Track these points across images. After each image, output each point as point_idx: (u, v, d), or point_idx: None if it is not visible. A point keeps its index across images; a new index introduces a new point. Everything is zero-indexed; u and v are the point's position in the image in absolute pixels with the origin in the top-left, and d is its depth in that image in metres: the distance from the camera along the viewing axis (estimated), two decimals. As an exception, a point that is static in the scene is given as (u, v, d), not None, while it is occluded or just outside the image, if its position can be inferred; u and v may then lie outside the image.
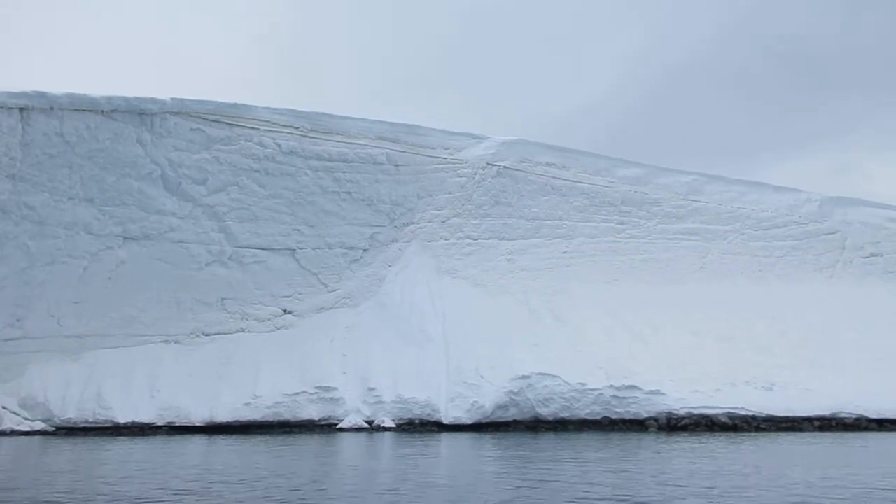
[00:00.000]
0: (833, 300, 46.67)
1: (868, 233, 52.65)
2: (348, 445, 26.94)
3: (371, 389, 34.78)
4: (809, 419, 32.49)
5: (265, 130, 41.25)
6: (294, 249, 41.17)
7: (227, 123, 40.13)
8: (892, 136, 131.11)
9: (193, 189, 38.66)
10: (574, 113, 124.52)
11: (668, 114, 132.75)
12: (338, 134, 43.57)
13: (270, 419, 33.24)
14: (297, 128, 42.37)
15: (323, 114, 43.50)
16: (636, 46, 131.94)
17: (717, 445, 24.32)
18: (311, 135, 42.54)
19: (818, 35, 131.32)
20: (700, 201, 52.27)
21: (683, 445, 24.48)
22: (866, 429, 31.94)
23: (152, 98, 37.18)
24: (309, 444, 26.35)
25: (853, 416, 32.45)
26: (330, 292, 41.03)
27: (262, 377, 34.78)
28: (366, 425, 33.71)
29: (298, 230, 41.44)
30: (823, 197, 55.20)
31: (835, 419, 32.52)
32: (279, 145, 41.43)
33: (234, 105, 40.72)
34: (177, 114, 38.30)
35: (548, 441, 28.05)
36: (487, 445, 26.58)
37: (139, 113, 36.85)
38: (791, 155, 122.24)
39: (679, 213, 51.18)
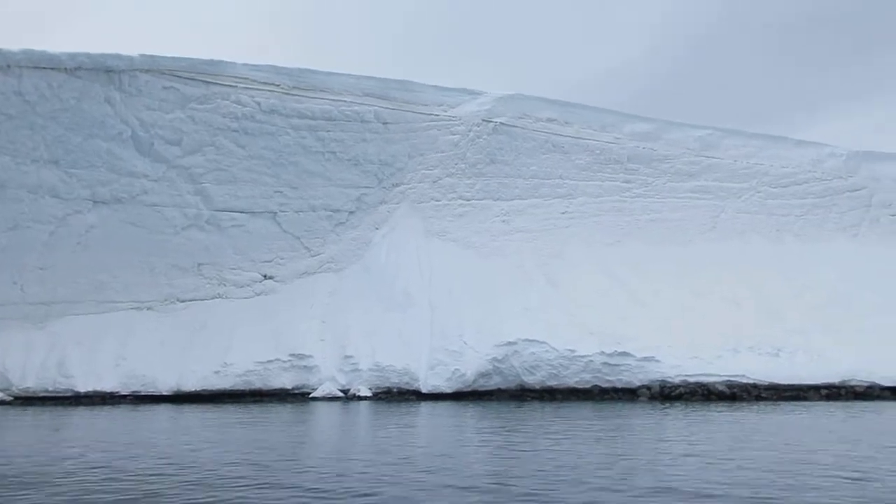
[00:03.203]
0: (856, 261, 43.40)
1: (897, 189, 48.96)
2: (309, 415, 25.36)
3: (348, 357, 33.13)
4: (816, 387, 29.90)
5: (244, 88, 39.32)
6: (275, 212, 39.44)
7: (202, 81, 38.28)
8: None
9: (167, 150, 37.04)
10: (605, 75, 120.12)
11: (699, 78, 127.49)
12: (322, 91, 41.44)
13: (241, 388, 31.84)
14: (279, 85, 40.34)
15: (306, 70, 41.38)
16: (667, 9, 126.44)
17: (680, 415, 22.10)
18: (293, 92, 40.49)
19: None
20: (714, 157, 49.03)
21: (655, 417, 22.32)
22: (878, 397, 29.26)
23: (119, 54, 35.48)
24: (268, 414, 24.80)
25: (865, 384, 29.77)
26: (313, 256, 39.31)
27: (236, 344, 33.34)
28: (341, 394, 32.11)
29: (280, 192, 39.66)
30: (850, 151, 51.44)
31: (844, 387, 29.88)
32: (259, 104, 39.50)
33: (211, 62, 38.83)
34: (147, 71, 36.56)
35: (528, 411, 26.12)
36: (463, 416, 24.77)
37: (106, 70, 35.19)
38: (825, 115, 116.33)
39: (691, 170, 48.08)
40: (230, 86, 39.01)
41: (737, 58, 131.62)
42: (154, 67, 36.69)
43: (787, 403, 27.94)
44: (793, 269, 41.30)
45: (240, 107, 39.04)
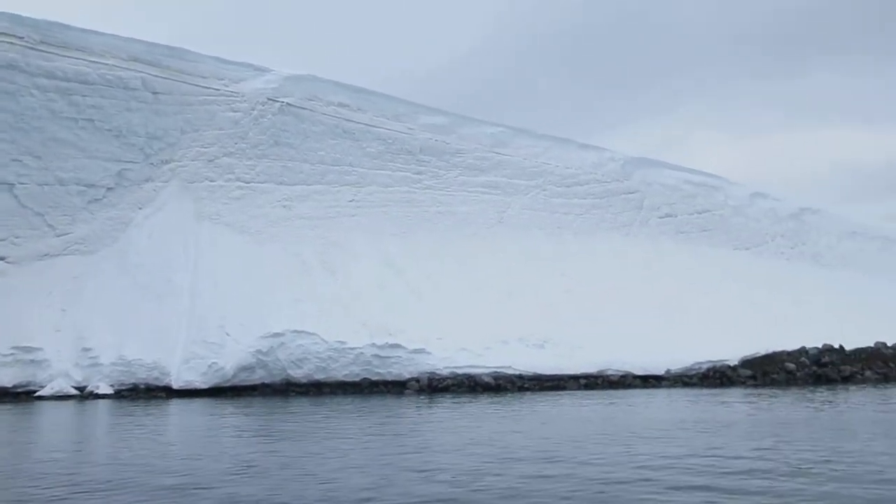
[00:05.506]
0: (626, 257, 46.00)
1: (665, 194, 52.76)
2: (17, 418, 21.57)
3: (86, 350, 29.15)
4: (575, 377, 30.70)
5: (-26, 37, 33.59)
6: (13, 184, 34.11)
7: (-82, 24, 32.16)
8: (713, 114, 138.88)
9: None
10: (430, 71, 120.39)
11: (511, 90, 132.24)
12: (78, 50, 36.59)
13: (-56, 388, 26.84)
14: (22, 38, 35.00)
15: (57, 24, 36.32)
16: (498, 14, 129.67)
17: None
18: (39, 48, 35.31)
19: (648, 14, 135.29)
20: (504, 154, 49.89)
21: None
22: (631, 386, 30.61)
23: None
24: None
25: (619, 374, 31.05)
26: (58, 236, 34.47)
27: (-56, 336, 28.11)
28: (76, 392, 28.12)
29: (19, 161, 34.36)
30: (626, 157, 54.77)
31: (601, 377, 30.96)
32: (-6, 57, 33.94)
33: (-69, 1, 32.71)
34: None
35: (281, 406, 24.16)
36: (197, 413, 22.27)
37: None
38: (623, 129, 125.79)
39: (482, 165, 48.52)
40: (-43, 33, 33.17)
41: (550, 66, 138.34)
42: None
43: (547, 393, 28.33)
44: (569, 265, 42.84)
45: (-31, 59, 33.31)
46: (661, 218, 51.78)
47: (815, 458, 10.01)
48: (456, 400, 25.20)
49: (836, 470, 8.98)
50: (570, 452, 11.18)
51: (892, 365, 31.29)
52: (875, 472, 8.80)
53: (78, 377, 28.53)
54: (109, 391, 28.26)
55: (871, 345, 31.97)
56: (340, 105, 44.87)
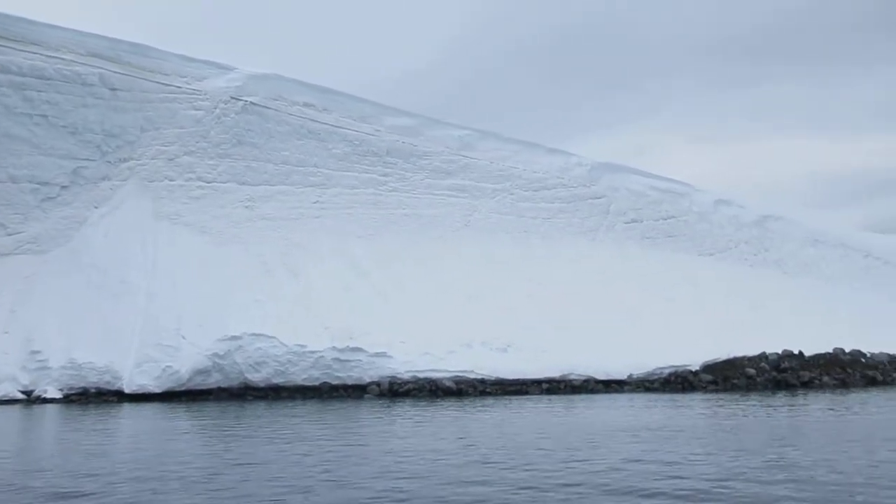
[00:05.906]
0: (591, 262, 46.01)
1: (631, 199, 52.95)
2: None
3: (34, 353, 28.23)
4: (538, 381, 30.48)
5: (-76, 28, 32.52)
6: (-38, 181, 33.06)
7: None
8: (690, 120, 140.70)
9: None
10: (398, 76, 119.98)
11: (486, 94, 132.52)
12: (34, 44, 35.68)
13: None
14: (-25, 30, 33.96)
15: (13, 17, 35.33)
16: (467, 26, 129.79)
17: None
18: (-7, 41, 34.29)
19: (627, 21, 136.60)
20: (471, 157, 49.71)
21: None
22: (593, 390, 30.47)
23: None
24: None
25: (582, 378, 30.89)
26: (9, 235, 33.50)
27: None
28: (22, 396, 27.20)
29: (-31, 157, 33.33)
30: (593, 162, 54.91)
31: (564, 381, 30.76)
32: (-55, 49, 32.89)
33: None
34: None
35: (235, 412, 23.58)
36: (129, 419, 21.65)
37: None
38: (601, 133, 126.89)
39: (448, 168, 48.27)
40: None
41: (523, 78, 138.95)
42: None
43: (509, 398, 28.08)
44: (534, 269, 42.69)
45: (-83, 50, 32.24)
46: (626, 223, 51.92)
47: (755, 463, 9.85)
48: (415, 405, 24.82)
49: (775, 475, 8.81)
50: (507, 458, 10.90)
51: (849, 371, 31.59)
52: (814, 477, 8.64)
53: (25, 381, 27.63)
54: (58, 395, 27.38)
55: (830, 351, 32.26)
56: (306, 105, 44.36)
